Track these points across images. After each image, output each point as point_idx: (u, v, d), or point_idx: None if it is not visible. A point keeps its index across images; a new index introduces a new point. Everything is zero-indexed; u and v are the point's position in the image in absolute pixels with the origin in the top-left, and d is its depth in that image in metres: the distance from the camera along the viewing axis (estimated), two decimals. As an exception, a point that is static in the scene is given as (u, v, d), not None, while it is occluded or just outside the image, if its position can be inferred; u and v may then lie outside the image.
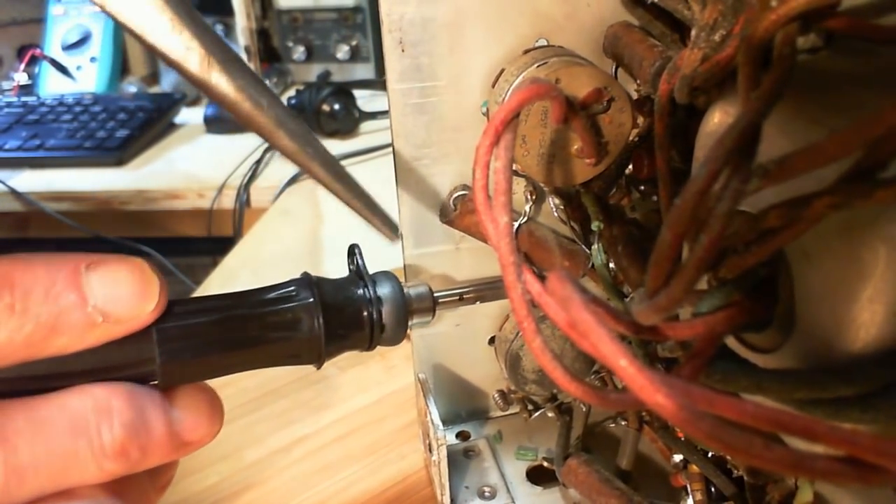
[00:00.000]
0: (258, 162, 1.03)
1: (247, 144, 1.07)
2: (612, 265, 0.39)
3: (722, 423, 0.15)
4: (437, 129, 0.37)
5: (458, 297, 0.36)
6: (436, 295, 0.34)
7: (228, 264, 0.79)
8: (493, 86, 0.36)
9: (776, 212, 0.18)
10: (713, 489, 0.34)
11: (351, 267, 0.32)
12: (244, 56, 1.28)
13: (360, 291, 0.30)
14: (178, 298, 0.25)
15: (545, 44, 0.36)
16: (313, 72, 1.31)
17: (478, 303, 0.37)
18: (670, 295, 0.17)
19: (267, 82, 1.24)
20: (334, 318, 0.27)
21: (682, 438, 0.35)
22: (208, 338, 0.25)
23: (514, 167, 0.38)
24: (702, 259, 0.17)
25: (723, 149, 0.17)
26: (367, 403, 0.53)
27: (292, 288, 0.28)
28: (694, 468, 0.34)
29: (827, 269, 0.19)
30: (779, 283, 0.21)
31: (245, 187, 0.98)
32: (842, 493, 0.25)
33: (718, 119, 0.24)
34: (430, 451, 0.40)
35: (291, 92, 1.14)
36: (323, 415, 0.52)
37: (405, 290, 0.32)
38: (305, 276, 0.29)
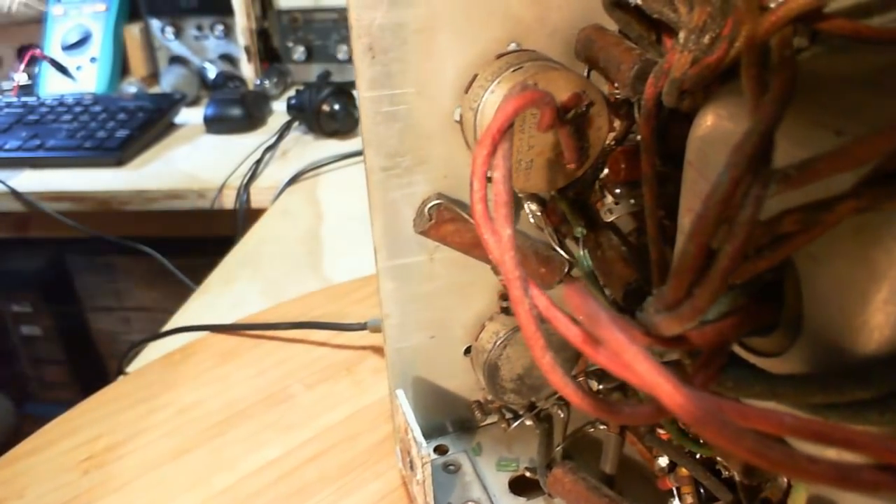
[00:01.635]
0: (258, 162, 1.02)
1: (247, 144, 1.07)
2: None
3: (764, 438, 0.14)
4: (410, 138, 0.36)
5: None
6: None
7: (228, 264, 0.78)
8: (467, 91, 0.35)
9: (793, 216, 0.17)
10: (702, 491, 0.34)
11: None
12: (244, 56, 1.27)
13: None
14: None
15: (516, 48, 0.36)
16: (313, 72, 1.31)
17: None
18: (695, 305, 0.17)
19: (267, 83, 1.21)
20: None
21: (669, 441, 0.35)
22: None
23: (490, 174, 0.37)
24: (728, 268, 0.16)
25: (743, 155, 0.16)
26: (338, 421, 0.52)
27: None
28: (683, 471, 0.34)
29: (837, 272, 0.19)
30: (785, 286, 0.21)
31: (245, 187, 0.98)
32: (840, 493, 0.25)
33: (712, 122, 0.24)
34: (412, 468, 0.39)
35: (291, 92, 1.14)
36: (293, 435, 0.50)
37: None
38: None
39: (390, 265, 0.39)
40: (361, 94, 0.35)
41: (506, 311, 0.41)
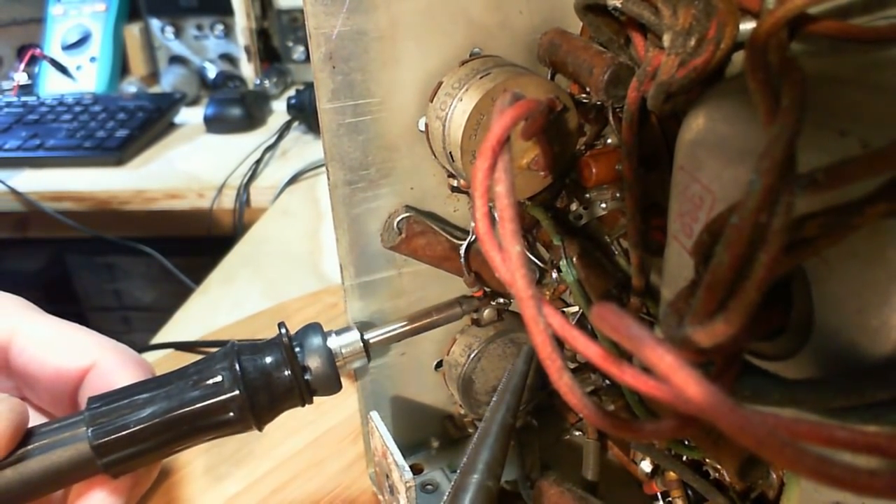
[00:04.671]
0: (258, 162, 1.01)
1: (247, 144, 1.06)
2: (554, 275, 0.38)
3: (827, 457, 0.14)
4: (374, 150, 0.35)
5: (393, 335, 0.36)
6: (367, 338, 0.34)
7: (228, 264, 0.77)
8: (432, 100, 0.34)
9: (817, 221, 0.17)
10: (689, 492, 0.34)
11: (282, 331, 0.32)
12: (244, 56, 1.25)
13: (285, 366, 0.30)
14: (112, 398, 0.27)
15: (479, 53, 0.35)
16: (313, 72, 1.32)
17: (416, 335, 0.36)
18: (729, 318, 0.16)
19: (267, 82, 1.20)
20: (263, 398, 0.29)
21: (654, 446, 0.35)
22: (143, 445, 0.27)
23: (460, 184, 0.36)
24: (763, 279, 0.16)
25: (774, 161, 0.16)
26: (301, 447, 0.49)
27: (219, 378, 0.28)
28: (671, 475, 0.34)
29: (851, 273, 0.19)
30: (793, 289, 0.21)
31: (245, 187, 0.97)
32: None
33: (704, 125, 0.23)
34: (393, 493, 0.37)
35: (291, 92, 1.12)
36: (254, 466, 0.48)
37: (333, 345, 0.32)
38: (230, 355, 0.29)
39: (358, 283, 0.37)
40: (322, 106, 0.33)
41: (476, 322, 0.40)
